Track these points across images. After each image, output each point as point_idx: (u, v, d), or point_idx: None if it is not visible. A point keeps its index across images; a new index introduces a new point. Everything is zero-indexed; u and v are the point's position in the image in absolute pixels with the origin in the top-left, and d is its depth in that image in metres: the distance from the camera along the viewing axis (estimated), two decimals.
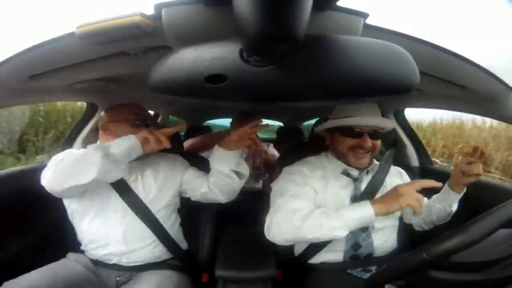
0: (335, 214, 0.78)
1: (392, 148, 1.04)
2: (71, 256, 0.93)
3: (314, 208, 0.86)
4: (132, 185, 0.93)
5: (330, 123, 0.96)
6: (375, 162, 1.01)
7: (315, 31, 0.45)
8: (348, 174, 0.95)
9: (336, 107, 0.98)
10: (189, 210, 1.09)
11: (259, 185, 1.80)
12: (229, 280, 0.93)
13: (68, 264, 0.88)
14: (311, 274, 0.93)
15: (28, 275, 0.78)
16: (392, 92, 0.49)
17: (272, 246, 0.88)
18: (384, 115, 1.51)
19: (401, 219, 1.00)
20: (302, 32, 0.40)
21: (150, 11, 0.53)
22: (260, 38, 0.39)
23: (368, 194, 0.93)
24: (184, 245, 1.05)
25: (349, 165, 0.95)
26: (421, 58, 0.50)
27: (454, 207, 0.91)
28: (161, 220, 0.95)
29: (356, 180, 0.95)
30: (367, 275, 0.90)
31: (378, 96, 0.50)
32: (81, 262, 0.90)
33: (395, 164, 1.05)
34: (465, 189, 0.88)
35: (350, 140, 0.92)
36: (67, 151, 0.92)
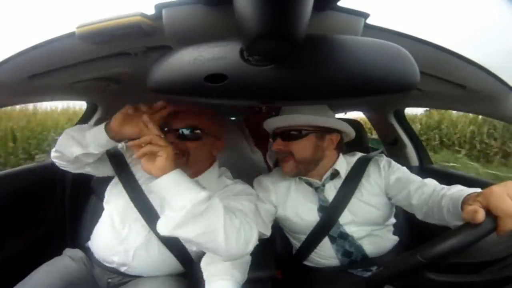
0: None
1: (380, 150, 1.01)
2: (67, 252, 0.92)
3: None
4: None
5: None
6: (335, 168, 0.89)
7: (315, 31, 0.45)
8: (309, 184, 0.91)
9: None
10: None
11: None
12: None
13: (64, 263, 0.87)
14: (311, 273, 0.93)
15: (27, 282, 0.77)
16: (392, 91, 0.50)
17: (272, 246, 0.88)
18: (384, 115, 1.49)
19: (399, 218, 1.00)
20: (303, 32, 0.40)
21: (150, 11, 0.53)
22: (260, 38, 0.39)
23: (335, 207, 0.86)
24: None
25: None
26: (422, 57, 0.50)
27: None
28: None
29: (317, 189, 0.90)
30: (368, 273, 0.89)
31: (379, 96, 0.51)
32: (76, 258, 0.89)
33: None
34: None
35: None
36: None
